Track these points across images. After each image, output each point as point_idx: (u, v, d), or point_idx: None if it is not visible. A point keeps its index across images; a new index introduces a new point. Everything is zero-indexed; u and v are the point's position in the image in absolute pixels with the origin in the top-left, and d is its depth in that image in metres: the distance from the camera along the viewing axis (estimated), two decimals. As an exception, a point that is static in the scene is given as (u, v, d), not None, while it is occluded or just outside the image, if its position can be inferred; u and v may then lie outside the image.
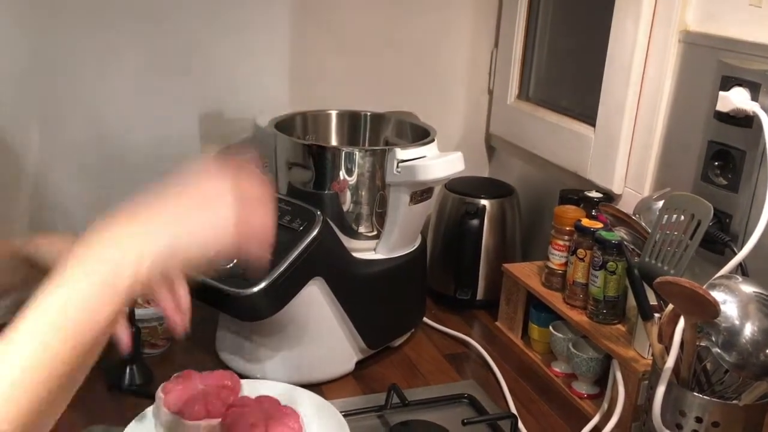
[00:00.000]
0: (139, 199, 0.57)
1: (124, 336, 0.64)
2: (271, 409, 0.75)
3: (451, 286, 1.26)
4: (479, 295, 1.26)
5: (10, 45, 1.13)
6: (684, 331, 0.77)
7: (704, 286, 0.73)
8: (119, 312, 0.52)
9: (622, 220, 0.92)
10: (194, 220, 0.57)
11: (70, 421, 0.87)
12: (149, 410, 0.80)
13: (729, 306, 0.73)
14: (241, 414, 0.74)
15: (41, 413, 0.48)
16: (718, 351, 0.73)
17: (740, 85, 0.87)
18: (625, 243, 0.93)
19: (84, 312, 0.50)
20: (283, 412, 0.75)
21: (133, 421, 0.82)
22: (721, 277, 0.77)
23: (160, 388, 0.86)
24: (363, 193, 1.02)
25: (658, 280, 0.73)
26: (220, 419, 0.75)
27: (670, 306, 0.78)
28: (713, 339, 0.74)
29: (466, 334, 1.17)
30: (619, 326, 1.00)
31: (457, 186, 1.27)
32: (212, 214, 0.58)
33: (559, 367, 1.07)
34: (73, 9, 1.15)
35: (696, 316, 0.74)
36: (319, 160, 1.01)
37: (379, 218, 1.04)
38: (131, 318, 1.02)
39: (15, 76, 1.14)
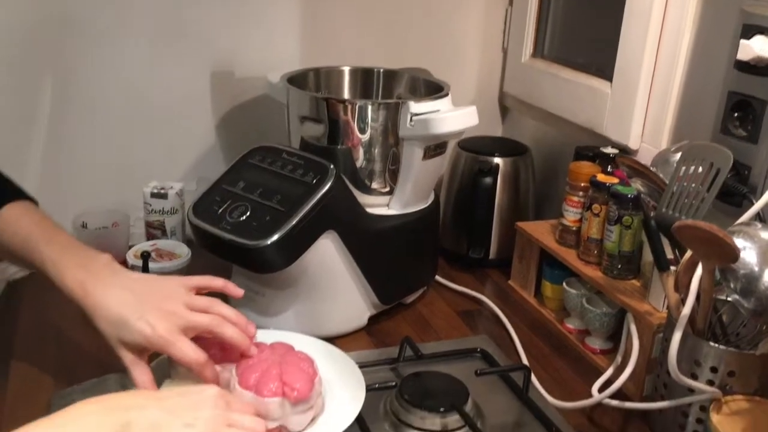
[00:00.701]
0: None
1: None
2: (285, 353, 0.75)
3: (463, 245, 1.25)
4: (492, 254, 1.25)
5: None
6: (701, 279, 0.76)
7: (723, 232, 0.72)
8: None
9: (640, 171, 0.91)
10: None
11: (84, 370, 0.88)
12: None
13: (748, 252, 0.72)
14: (255, 358, 0.74)
15: None
16: (737, 297, 0.73)
17: (762, 33, 0.85)
18: (642, 195, 0.92)
19: None
20: (297, 357, 0.75)
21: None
22: (741, 224, 0.76)
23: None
24: (376, 148, 1.01)
25: (676, 224, 0.72)
26: (235, 364, 0.75)
27: (688, 253, 0.77)
28: (731, 285, 0.73)
29: (478, 292, 1.17)
30: (634, 281, 0.99)
31: (470, 144, 1.26)
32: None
33: (572, 324, 1.07)
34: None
35: (714, 261, 0.73)
36: (332, 113, 1.00)
37: (392, 174, 1.03)
38: (145, 271, 1.02)
39: (28, 26, 1.14)
